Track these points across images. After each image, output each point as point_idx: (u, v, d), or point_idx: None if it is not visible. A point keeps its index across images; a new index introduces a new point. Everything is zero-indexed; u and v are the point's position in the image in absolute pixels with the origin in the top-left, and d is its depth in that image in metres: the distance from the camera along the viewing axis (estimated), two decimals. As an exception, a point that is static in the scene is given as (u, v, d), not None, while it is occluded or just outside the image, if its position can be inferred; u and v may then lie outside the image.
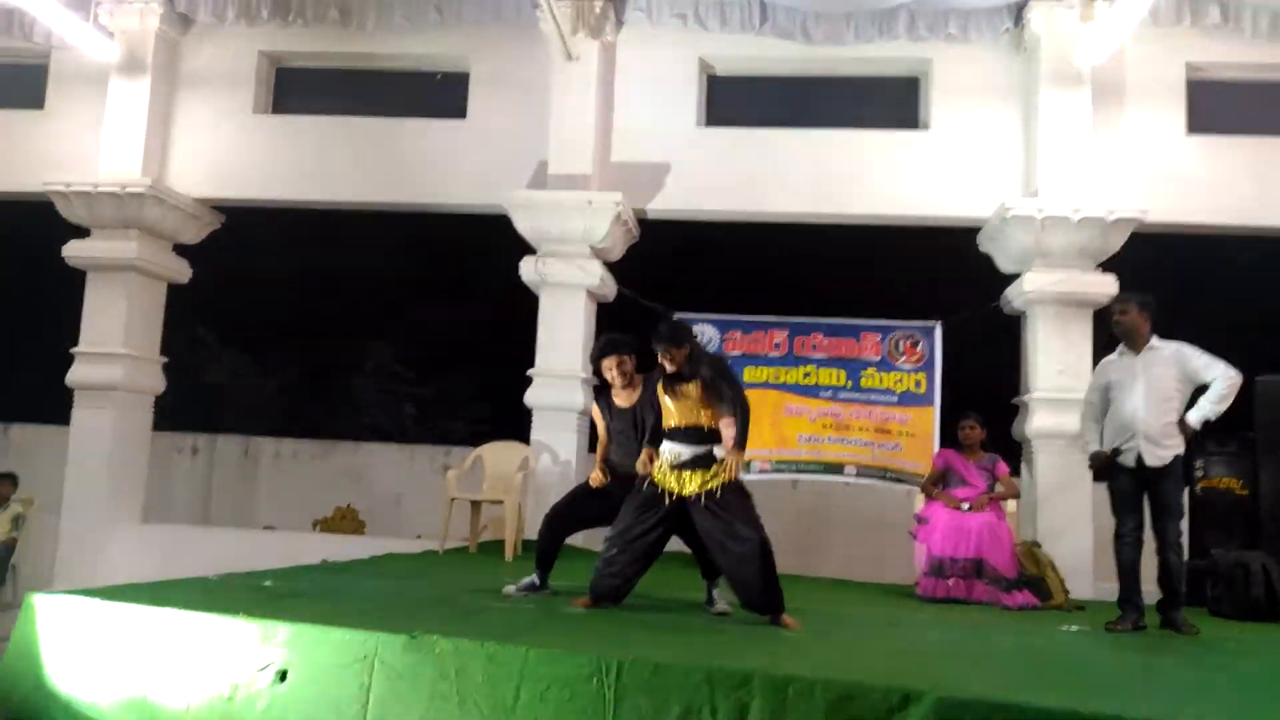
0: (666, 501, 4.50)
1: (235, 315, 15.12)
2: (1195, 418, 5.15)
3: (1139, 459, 5.16)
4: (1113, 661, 4.26)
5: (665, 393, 4.59)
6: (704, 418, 4.53)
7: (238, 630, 3.46)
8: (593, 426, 5.42)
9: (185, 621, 3.54)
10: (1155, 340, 5.29)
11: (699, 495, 4.44)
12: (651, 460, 4.60)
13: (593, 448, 5.31)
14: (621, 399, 5.11)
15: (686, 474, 4.48)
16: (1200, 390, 5.21)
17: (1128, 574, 5.23)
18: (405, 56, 9.13)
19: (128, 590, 4.03)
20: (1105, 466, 5.34)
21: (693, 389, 4.51)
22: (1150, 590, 5.30)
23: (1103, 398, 5.43)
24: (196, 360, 14.50)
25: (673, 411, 4.57)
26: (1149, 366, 5.23)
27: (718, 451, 4.50)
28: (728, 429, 4.50)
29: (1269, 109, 8.30)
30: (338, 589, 4.68)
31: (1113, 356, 5.47)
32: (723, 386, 4.54)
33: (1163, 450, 5.14)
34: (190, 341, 13.74)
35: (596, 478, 5.08)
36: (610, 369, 5.04)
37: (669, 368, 4.56)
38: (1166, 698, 3.33)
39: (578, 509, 5.15)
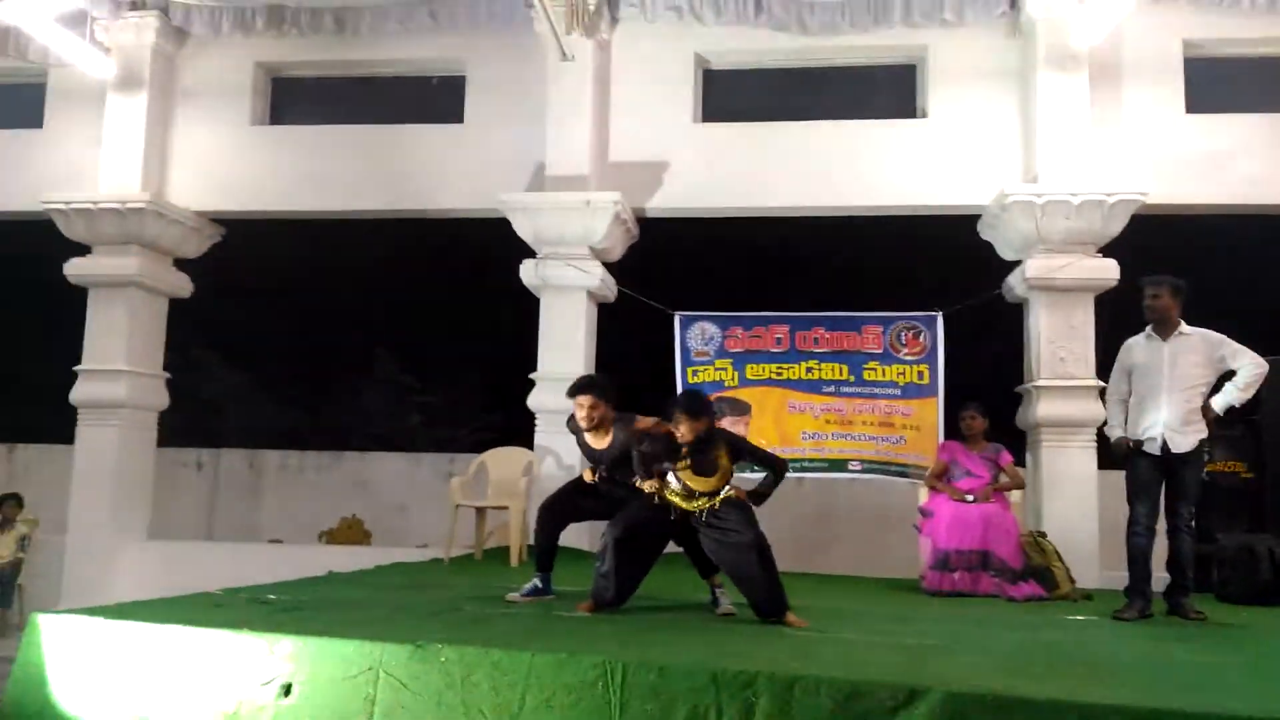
0: (670, 514, 4.55)
1: (238, 328, 15.14)
2: (1220, 403, 5.17)
3: (1164, 446, 5.17)
4: (1120, 651, 4.24)
5: (682, 470, 4.53)
6: (716, 485, 4.53)
7: (242, 645, 3.46)
8: None
9: (190, 638, 3.54)
10: (1184, 326, 5.28)
11: (702, 512, 4.50)
12: (653, 481, 4.61)
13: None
14: (593, 440, 5.04)
15: (694, 500, 4.54)
16: (1225, 377, 5.22)
17: (1139, 562, 5.23)
18: (401, 62, 9.15)
19: (132, 608, 4.04)
20: (1128, 455, 5.33)
21: (719, 476, 4.51)
22: (1160, 576, 5.31)
23: (1128, 379, 5.41)
24: (200, 375, 14.50)
25: (688, 477, 4.53)
26: (1176, 353, 5.22)
27: (726, 489, 4.56)
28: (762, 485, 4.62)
29: (1268, 85, 8.26)
30: (343, 600, 4.68)
31: (1139, 338, 5.44)
32: (758, 455, 4.69)
33: (1186, 437, 5.15)
34: (193, 356, 13.74)
35: (588, 475, 5.08)
36: (581, 407, 4.94)
37: (681, 436, 4.51)
38: (1175, 686, 3.31)
39: (569, 502, 5.13)
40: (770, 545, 4.45)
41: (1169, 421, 5.15)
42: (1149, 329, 5.38)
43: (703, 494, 4.52)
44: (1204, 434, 5.21)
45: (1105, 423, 5.76)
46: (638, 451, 4.70)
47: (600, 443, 5.00)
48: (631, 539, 4.56)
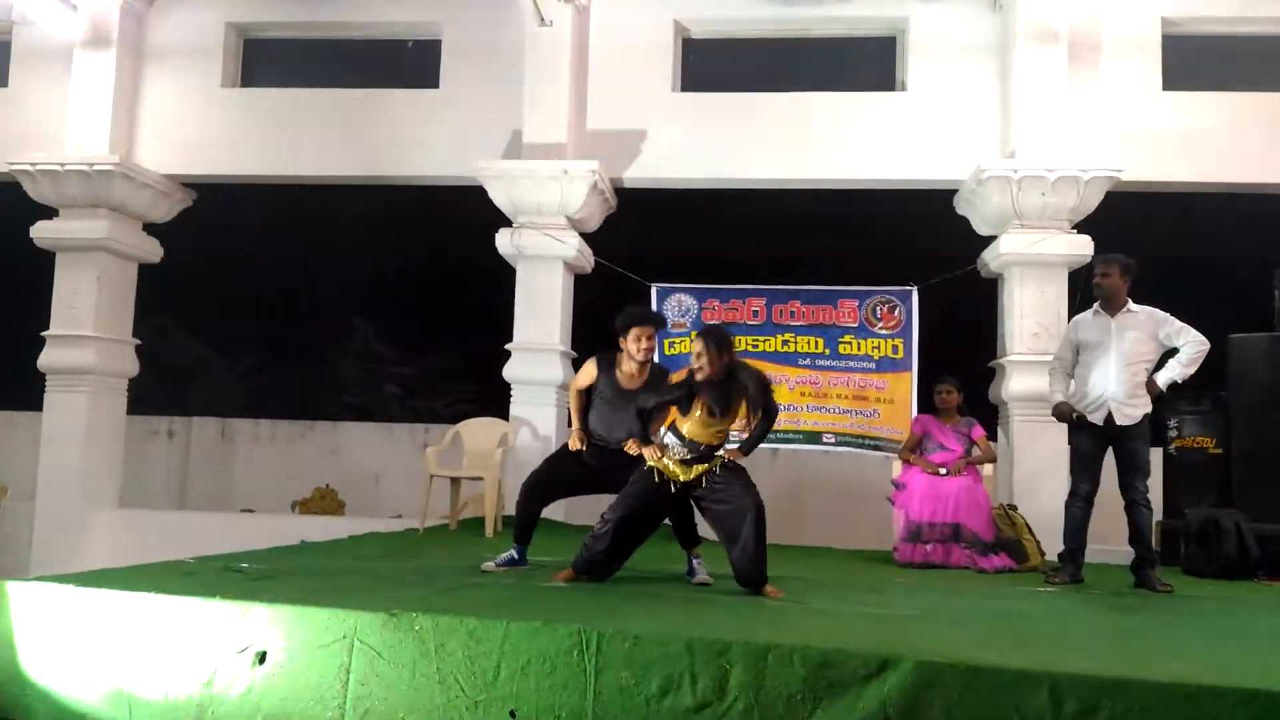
0: (670, 489, 4.48)
1: (210, 295, 14.97)
2: (1164, 379, 5.36)
3: (1108, 418, 5.32)
4: (1088, 622, 4.30)
5: (696, 410, 4.43)
6: (718, 438, 4.48)
7: (215, 613, 3.43)
8: None
9: (162, 606, 3.50)
10: (1131, 304, 5.44)
11: (700, 478, 4.45)
12: (652, 449, 4.49)
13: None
14: (625, 377, 4.90)
15: (693, 467, 4.46)
16: (1169, 354, 5.40)
17: (1074, 532, 5.48)
18: (376, 25, 9.01)
19: (103, 576, 3.99)
20: (1068, 419, 5.50)
21: (731, 418, 4.44)
22: (1126, 551, 5.43)
23: (1074, 353, 5.59)
24: (171, 342, 14.34)
25: (692, 426, 4.44)
26: (1123, 329, 5.39)
27: (719, 452, 4.50)
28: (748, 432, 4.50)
29: (1244, 63, 8.30)
30: (317, 569, 4.65)
31: (1086, 314, 5.60)
32: (761, 400, 4.45)
33: (1132, 409, 5.32)
34: (164, 323, 13.58)
35: (574, 442, 4.96)
36: (640, 339, 4.81)
37: (700, 371, 4.38)
38: (1142, 657, 3.36)
39: (554, 475, 5.06)
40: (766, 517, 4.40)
41: (1115, 394, 5.32)
42: (1096, 305, 5.55)
43: (701, 451, 4.42)
44: (1148, 408, 5.38)
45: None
46: (658, 398, 4.55)
47: (634, 382, 4.87)
48: (633, 522, 4.50)
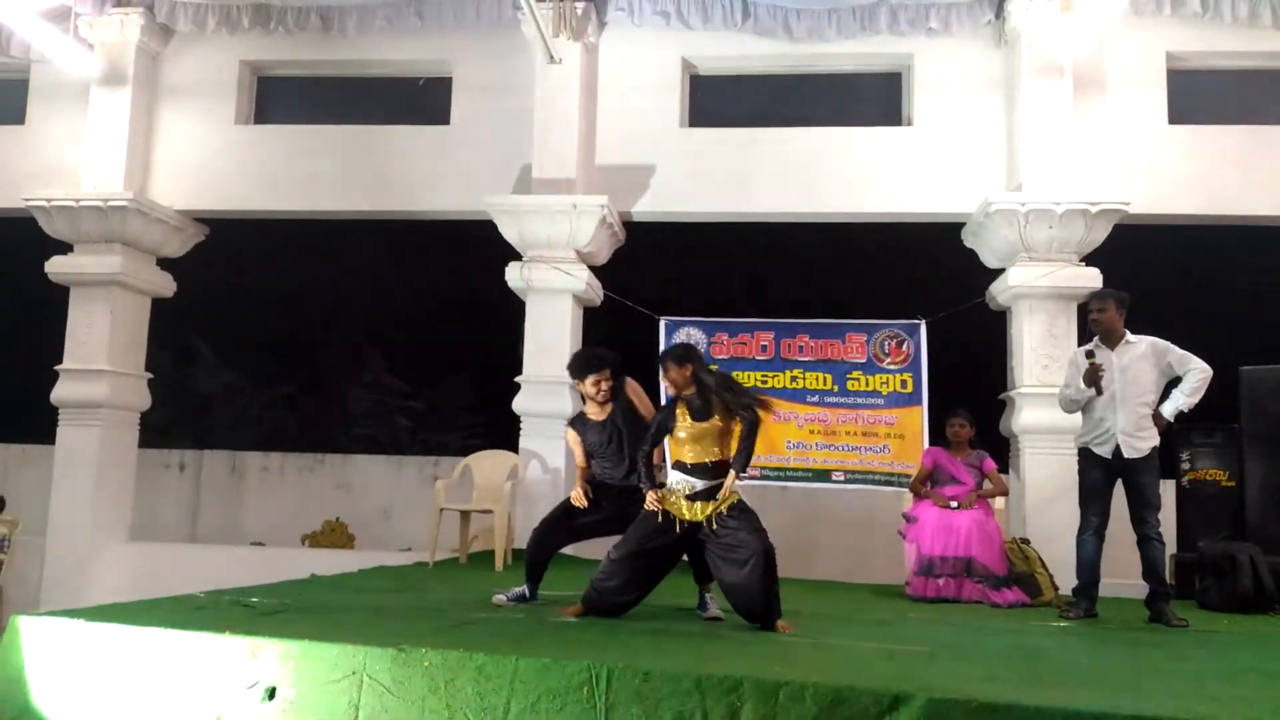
0: (677, 528, 4.47)
1: (222, 329, 15.05)
2: (1170, 409, 5.33)
3: (1116, 450, 5.29)
4: (1103, 658, 4.26)
5: (681, 426, 4.51)
6: (719, 452, 4.50)
7: (225, 648, 3.44)
8: None
9: (172, 641, 3.52)
10: (1130, 335, 5.43)
11: (709, 519, 4.43)
12: (653, 495, 4.52)
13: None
14: (595, 412, 5.03)
15: (699, 504, 4.46)
16: (1173, 384, 5.38)
17: (1086, 566, 5.45)
18: (388, 63, 9.13)
19: (113, 610, 4.01)
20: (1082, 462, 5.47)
21: (716, 420, 4.47)
22: (1140, 584, 5.40)
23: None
24: (184, 376, 14.41)
25: (688, 446, 4.50)
26: (1125, 362, 5.38)
27: (725, 482, 4.50)
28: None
29: (1250, 97, 8.35)
30: (326, 604, 4.65)
31: (1089, 346, 5.56)
32: (732, 399, 4.51)
33: (1140, 442, 5.30)
34: (178, 356, 13.66)
35: (578, 497, 4.98)
36: (599, 383, 4.92)
37: (670, 388, 4.57)
38: (1156, 692, 3.33)
39: (567, 521, 5.05)
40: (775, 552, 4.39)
41: (1123, 428, 5.30)
42: (1095, 340, 5.53)
43: (708, 482, 4.43)
44: (1156, 440, 5.35)
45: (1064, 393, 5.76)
46: (650, 435, 4.63)
47: (601, 414, 4.99)
48: (639, 560, 4.49)
